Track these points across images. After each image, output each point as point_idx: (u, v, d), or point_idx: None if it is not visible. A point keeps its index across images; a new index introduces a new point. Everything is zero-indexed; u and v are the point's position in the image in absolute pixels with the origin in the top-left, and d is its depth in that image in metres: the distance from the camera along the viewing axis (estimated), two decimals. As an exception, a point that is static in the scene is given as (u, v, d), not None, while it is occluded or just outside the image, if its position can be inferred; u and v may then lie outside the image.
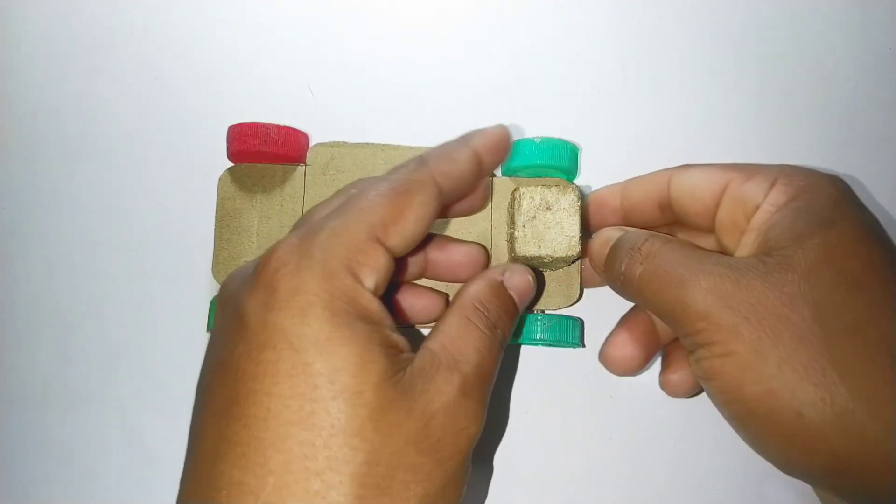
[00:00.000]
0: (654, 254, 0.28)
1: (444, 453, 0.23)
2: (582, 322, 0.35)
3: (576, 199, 0.30)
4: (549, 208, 0.31)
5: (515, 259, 0.31)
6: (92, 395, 0.36)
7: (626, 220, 0.33)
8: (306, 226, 0.25)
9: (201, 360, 0.25)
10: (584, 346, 0.35)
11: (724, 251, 0.30)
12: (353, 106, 0.38)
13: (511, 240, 0.31)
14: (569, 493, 0.35)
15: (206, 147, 0.35)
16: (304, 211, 0.33)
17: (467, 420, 0.24)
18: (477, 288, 0.27)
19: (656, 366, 0.35)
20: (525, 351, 0.36)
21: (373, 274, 0.24)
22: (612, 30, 0.38)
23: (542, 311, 0.33)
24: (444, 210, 0.29)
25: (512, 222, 0.31)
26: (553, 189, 0.31)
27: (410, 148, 0.34)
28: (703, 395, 0.35)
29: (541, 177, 0.33)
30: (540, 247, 0.30)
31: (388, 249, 0.25)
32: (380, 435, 0.22)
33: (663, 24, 0.39)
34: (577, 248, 0.30)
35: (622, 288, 0.29)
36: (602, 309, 0.34)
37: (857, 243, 0.25)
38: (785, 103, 0.38)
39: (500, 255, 0.33)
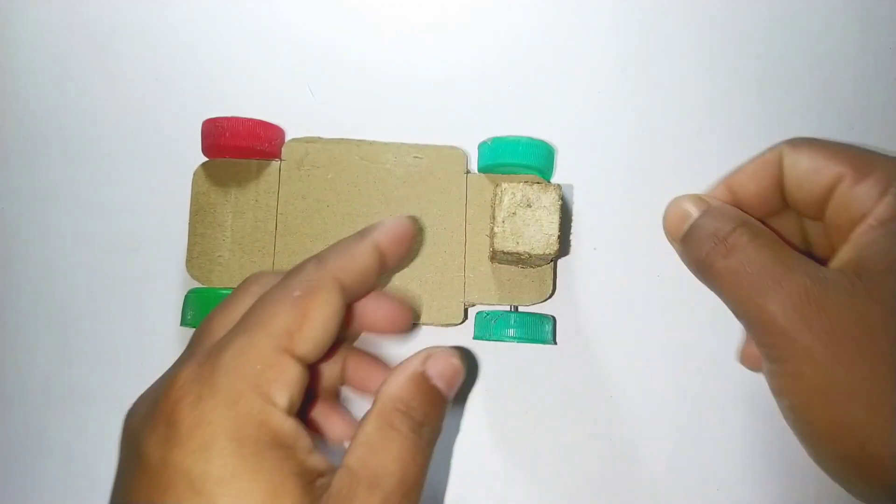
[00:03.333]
0: (740, 249, 0.26)
1: None
2: (554, 319, 0.35)
3: (557, 197, 0.31)
4: (529, 205, 0.31)
5: (494, 253, 0.32)
6: (92, 395, 0.36)
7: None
8: (205, 346, 0.24)
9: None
10: (555, 343, 0.35)
11: (828, 246, 0.29)
12: (352, 106, 0.38)
13: (490, 234, 0.31)
14: (569, 493, 0.35)
15: (193, 160, 0.35)
16: (279, 206, 0.33)
17: None
18: (396, 386, 0.25)
19: (652, 366, 0.35)
20: (525, 351, 0.36)
21: (285, 389, 0.22)
22: (612, 30, 0.38)
23: (516, 308, 0.34)
24: (353, 326, 0.28)
25: (492, 217, 0.31)
26: (535, 186, 0.31)
27: (385, 144, 0.34)
28: (697, 396, 0.35)
29: (516, 174, 0.34)
30: (518, 243, 0.31)
31: (298, 359, 0.23)
32: None
33: (663, 24, 0.39)
34: (555, 247, 0.31)
35: (700, 273, 0.28)
36: (575, 306, 0.35)
37: None
38: (785, 103, 0.38)
39: (472, 250, 0.34)
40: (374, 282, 0.27)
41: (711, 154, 0.37)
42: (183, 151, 0.37)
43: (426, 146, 0.34)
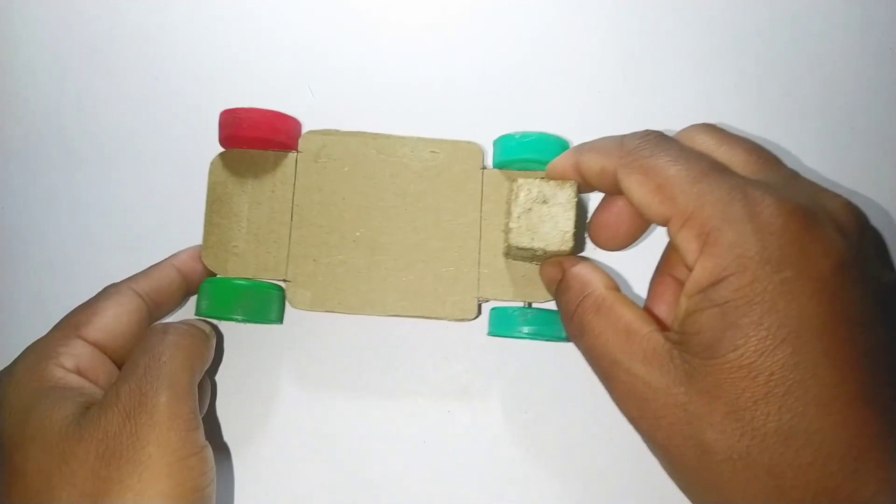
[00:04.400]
0: (587, 325, 0.28)
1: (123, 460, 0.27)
2: None
3: (573, 194, 0.31)
4: (545, 202, 0.31)
5: (509, 249, 0.32)
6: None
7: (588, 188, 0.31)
8: None
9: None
10: (569, 340, 0.35)
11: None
12: (352, 105, 0.38)
13: (505, 230, 0.31)
14: (569, 493, 0.35)
15: (206, 148, 0.35)
16: (294, 197, 0.34)
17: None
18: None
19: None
20: (524, 350, 0.36)
21: (71, 358, 0.29)
22: (612, 30, 0.39)
23: (530, 305, 0.34)
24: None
25: (508, 213, 0.31)
26: (551, 183, 0.31)
27: (401, 138, 0.34)
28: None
29: (532, 170, 0.34)
30: (533, 239, 0.31)
31: (90, 342, 0.30)
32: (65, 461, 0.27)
33: (663, 24, 0.39)
34: (570, 244, 0.31)
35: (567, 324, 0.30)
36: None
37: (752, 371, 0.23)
38: (785, 103, 0.38)
39: (487, 246, 0.34)
40: (178, 294, 0.34)
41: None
42: (184, 151, 0.37)
43: (443, 141, 0.34)
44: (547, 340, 0.33)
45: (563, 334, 0.33)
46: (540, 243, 0.31)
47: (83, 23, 0.39)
